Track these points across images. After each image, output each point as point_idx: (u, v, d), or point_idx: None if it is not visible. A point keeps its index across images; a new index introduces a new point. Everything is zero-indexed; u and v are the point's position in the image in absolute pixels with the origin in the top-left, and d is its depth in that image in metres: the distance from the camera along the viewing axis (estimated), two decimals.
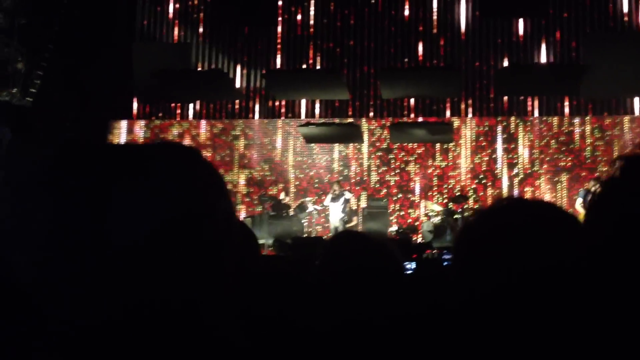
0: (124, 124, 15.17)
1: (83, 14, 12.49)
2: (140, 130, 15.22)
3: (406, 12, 14.13)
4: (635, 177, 0.95)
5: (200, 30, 14.39)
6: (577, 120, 14.25)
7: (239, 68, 14.51)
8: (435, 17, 14.08)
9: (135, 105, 14.61)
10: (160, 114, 14.93)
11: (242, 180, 15.08)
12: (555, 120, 14.33)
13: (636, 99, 13.70)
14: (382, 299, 1.66)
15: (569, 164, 14.25)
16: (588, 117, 14.17)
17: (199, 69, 13.93)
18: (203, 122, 15.20)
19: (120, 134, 15.13)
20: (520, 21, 13.63)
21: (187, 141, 15.19)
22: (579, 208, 11.56)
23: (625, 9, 13.64)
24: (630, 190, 0.93)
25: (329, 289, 1.69)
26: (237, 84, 14.17)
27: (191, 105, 14.67)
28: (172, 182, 0.76)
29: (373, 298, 1.65)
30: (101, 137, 14.52)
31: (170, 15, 14.45)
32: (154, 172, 0.75)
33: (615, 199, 0.96)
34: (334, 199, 12.72)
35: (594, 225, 1.00)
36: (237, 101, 14.54)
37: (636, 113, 13.94)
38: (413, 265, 6.88)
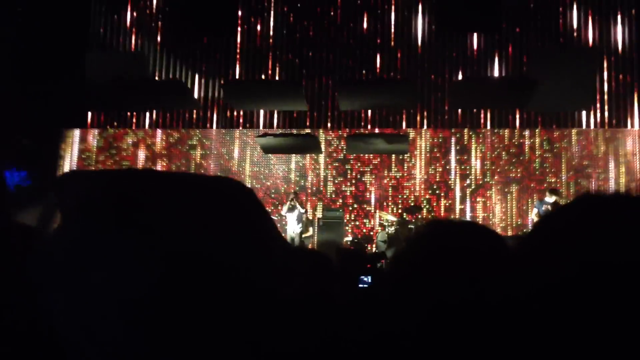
0: (77, 132, 14.87)
1: (37, 22, 12.21)
2: (93, 139, 14.94)
3: (365, 25, 14.30)
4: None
5: (158, 39, 14.23)
6: (527, 133, 14.66)
7: (197, 77, 14.41)
8: (392, 31, 14.29)
9: (89, 113, 14.33)
10: (115, 123, 14.69)
11: None
12: (506, 132, 14.71)
13: (583, 113, 14.17)
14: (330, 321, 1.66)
15: (519, 175, 14.63)
16: (538, 130, 14.59)
17: (157, 78, 13.76)
18: (159, 132, 15.03)
19: (73, 142, 14.83)
20: (475, 36, 13.96)
21: (142, 150, 15.00)
22: (535, 217, 11.88)
23: (575, 24, 14.13)
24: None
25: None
26: (195, 94, 14.06)
27: (147, 114, 14.47)
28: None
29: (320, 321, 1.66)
30: (54, 146, 14.21)
31: (128, 24, 14.24)
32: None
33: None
34: (290, 209, 12.74)
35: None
36: (194, 110, 14.43)
37: (583, 126, 14.43)
38: (369, 279, 6.90)
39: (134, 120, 14.61)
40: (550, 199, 11.64)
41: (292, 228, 12.67)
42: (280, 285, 0.80)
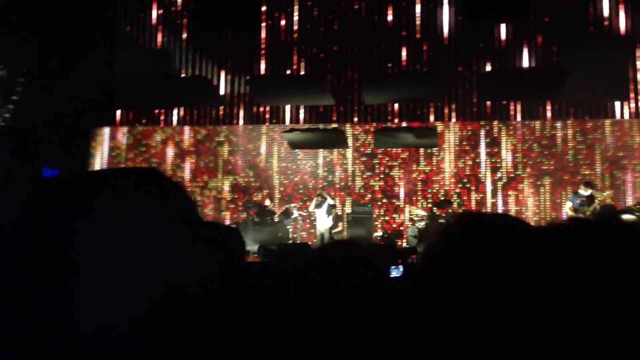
0: (106, 130, 15.06)
1: (65, 21, 12.38)
2: (122, 137, 15.13)
3: (389, 18, 14.17)
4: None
5: (184, 36, 14.32)
6: (559, 124, 14.36)
7: (223, 74, 14.46)
8: (418, 23, 14.14)
9: (118, 111, 14.52)
10: (143, 121, 14.85)
11: (226, 187, 15.02)
12: (537, 124, 14.43)
13: (617, 103, 13.83)
14: (366, 315, 1.64)
15: (552, 167, 14.34)
16: (570, 121, 14.28)
17: (183, 75, 13.86)
18: (186, 128, 15.14)
19: (103, 140, 15.03)
20: (502, 26, 13.73)
21: (170, 147, 15.12)
22: (569, 212, 11.64)
23: (606, 13, 13.79)
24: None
25: (310, 303, 1.67)
26: (221, 90, 14.12)
27: (175, 112, 14.60)
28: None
29: (355, 314, 1.63)
30: (84, 144, 14.42)
31: (153, 21, 14.37)
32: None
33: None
34: (317, 205, 12.70)
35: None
36: (221, 107, 14.49)
37: (617, 116, 14.08)
38: (400, 269, 6.86)
39: (162, 117, 14.76)
40: (585, 191, 11.39)
41: (321, 223, 12.63)
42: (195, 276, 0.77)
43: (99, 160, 14.96)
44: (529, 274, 1.00)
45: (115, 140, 15.12)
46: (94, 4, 13.08)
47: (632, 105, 13.85)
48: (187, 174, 15.07)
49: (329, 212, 12.63)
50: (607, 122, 14.18)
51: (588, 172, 14.08)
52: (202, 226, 0.81)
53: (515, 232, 1.15)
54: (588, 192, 11.37)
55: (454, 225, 1.21)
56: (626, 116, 14.04)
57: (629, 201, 13.61)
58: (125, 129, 15.10)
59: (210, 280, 0.84)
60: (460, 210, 14.09)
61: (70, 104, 12.80)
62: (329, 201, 12.68)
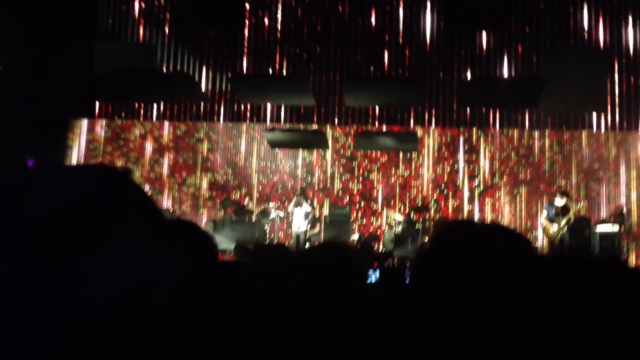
0: (84, 122, 14.91)
1: (45, 10, 12.25)
2: (101, 129, 14.98)
3: (373, 21, 14.22)
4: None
5: (167, 30, 14.23)
6: (536, 134, 14.50)
7: (204, 70, 14.40)
8: (401, 27, 14.19)
9: (97, 104, 14.38)
10: (122, 114, 14.73)
11: (204, 184, 14.95)
12: (515, 133, 14.56)
13: (594, 115, 13.99)
14: (346, 318, 1.63)
15: (528, 176, 14.48)
16: (547, 131, 14.42)
17: (164, 69, 13.77)
18: (166, 123, 15.03)
19: (81, 132, 14.88)
20: (484, 34, 13.83)
21: (149, 142, 15.01)
22: (544, 221, 11.74)
23: (586, 25, 13.96)
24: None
25: (290, 306, 1.67)
26: (202, 87, 14.06)
27: (155, 106, 14.50)
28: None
29: (336, 318, 1.63)
30: (61, 136, 14.26)
31: (136, 14, 14.26)
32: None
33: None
34: (296, 205, 12.68)
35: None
36: (201, 103, 14.43)
37: (594, 128, 14.25)
38: (377, 274, 6.87)
39: (142, 111, 14.64)
40: (560, 201, 11.50)
41: (297, 224, 12.60)
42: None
43: (76, 153, 14.80)
44: (517, 290, 1.00)
45: (94, 132, 14.98)
46: None
47: (609, 117, 14.01)
48: (165, 170, 14.98)
49: (306, 215, 12.60)
50: (584, 133, 14.35)
51: (564, 183, 14.23)
52: (167, 228, 0.80)
53: (509, 247, 1.15)
54: (563, 201, 11.48)
55: (445, 233, 1.21)
56: (603, 128, 14.20)
57: (603, 213, 13.78)
58: (103, 122, 14.96)
59: (179, 280, 0.83)
60: (436, 217, 14.16)
61: (49, 94, 12.65)
62: (306, 206, 12.64)
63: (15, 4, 11.95)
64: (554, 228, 11.45)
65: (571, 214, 11.54)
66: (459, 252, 1.12)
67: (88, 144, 14.92)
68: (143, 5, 14.24)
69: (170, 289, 0.77)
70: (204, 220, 13.90)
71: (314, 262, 1.80)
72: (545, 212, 11.79)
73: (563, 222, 11.41)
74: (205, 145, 15.08)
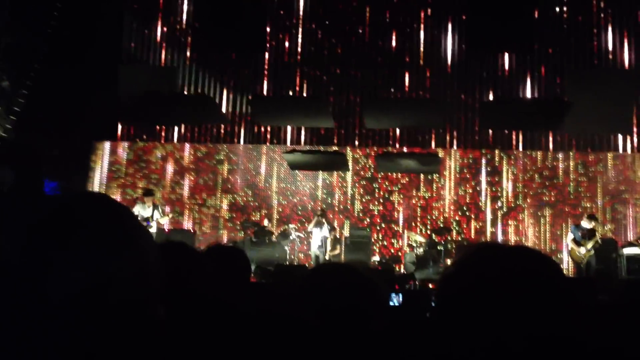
0: (107, 145, 15.06)
1: (70, 34, 12.44)
2: (123, 151, 15.11)
3: (393, 43, 14.22)
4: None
5: (188, 54, 14.37)
6: (560, 156, 14.31)
7: (225, 92, 14.48)
8: (421, 49, 14.18)
9: (119, 126, 14.53)
10: (144, 136, 14.85)
11: (224, 205, 14.97)
12: (539, 154, 14.39)
13: (620, 136, 13.81)
14: (367, 341, 1.58)
15: (552, 199, 14.27)
16: (572, 153, 14.23)
17: (185, 92, 13.89)
18: (187, 145, 15.12)
19: (103, 155, 15.02)
20: (506, 56, 13.75)
21: (170, 164, 15.10)
22: (570, 243, 11.55)
23: (610, 46, 13.82)
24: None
25: (302, 327, 1.60)
26: (223, 109, 14.14)
27: (176, 128, 14.60)
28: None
29: (356, 340, 1.56)
30: (84, 157, 14.42)
31: (158, 38, 14.43)
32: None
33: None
34: (316, 225, 12.61)
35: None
36: (222, 125, 14.50)
37: (620, 150, 14.04)
38: (400, 298, 6.77)
39: (163, 133, 14.76)
40: (588, 224, 11.31)
41: (317, 246, 12.52)
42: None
43: (99, 175, 14.94)
44: (545, 312, 1.00)
45: (116, 154, 15.11)
46: (101, 19, 13.15)
47: (635, 139, 13.81)
48: (185, 191, 15.03)
49: (326, 237, 12.51)
50: (610, 155, 14.14)
51: (589, 205, 14.01)
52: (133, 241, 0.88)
53: (535, 267, 1.12)
54: (591, 224, 11.30)
55: (471, 255, 1.18)
56: (629, 150, 14.01)
57: (630, 235, 13.52)
58: (125, 144, 15.09)
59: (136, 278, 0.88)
60: (458, 239, 14.02)
61: (72, 116, 12.81)
62: (327, 227, 12.56)
63: (41, 26, 12.15)
64: (581, 251, 11.25)
65: (598, 237, 11.34)
66: (485, 274, 1.10)
67: (110, 165, 15.05)
68: (165, 29, 14.41)
69: (127, 287, 0.84)
70: (224, 242, 13.89)
71: (323, 282, 1.76)
72: (571, 235, 11.59)
73: (590, 244, 11.20)
74: (225, 167, 15.10)
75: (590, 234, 11.27)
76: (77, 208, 0.86)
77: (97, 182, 14.84)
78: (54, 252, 0.79)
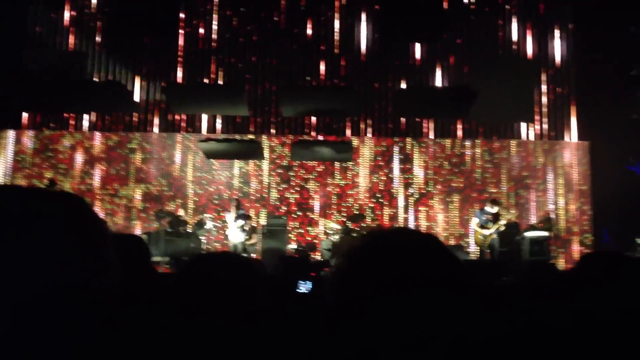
0: (11, 133, 14.37)
1: None
2: (28, 140, 14.47)
3: (309, 32, 14.29)
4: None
5: (97, 39, 13.88)
6: (468, 143, 14.86)
7: (137, 80, 14.11)
8: (337, 38, 14.32)
9: (24, 114, 13.88)
10: (51, 125, 14.25)
11: (138, 195, 14.62)
12: (448, 142, 14.88)
13: (523, 124, 14.48)
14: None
15: (461, 185, 14.79)
16: (479, 140, 14.81)
17: (95, 79, 13.43)
18: (97, 134, 14.64)
19: (7, 144, 14.32)
20: (417, 45, 14.11)
21: (80, 153, 14.59)
22: (475, 227, 12.02)
23: (514, 37, 14.46)
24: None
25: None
26: (136, 97, 13.77)
27: (86, 116, 14.10)
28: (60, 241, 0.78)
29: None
30: None
31: (66, 22, 13.86)
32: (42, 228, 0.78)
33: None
34: (237, 217, 12.54)
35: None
36: (135, 114, 14.12)
37: (522, 137, 14.74)
38: (309, 285, 6.79)
39: (72, 122, 14.22)
40: (492, 209, 11.78)
41: (233, 235, 12.46)
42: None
43: (3, 164, 14.24)
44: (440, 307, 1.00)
45: (21, 144, 14.45)
46: (3, 2, 12.51)
47: (537, 127, 14.53)
48: (96, 181, 14.57)
49: (241, 226, 12.46)
50: (513, 142, 14.80)
51: (494, 190, 14.61)
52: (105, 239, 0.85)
53: (427, 260, 1.09)
54: (495, 209, 11.77)
55: (360, 249, 1.15)
56: (531, 137, 14.72)
57: (532, 219, 14.23)
58: (31, 133, 14.45)
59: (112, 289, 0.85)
60: (373, 226, 14.30)
61: None
62: (242, 216, 12.51)
63: None
64: (484, 233, 11.75)
65: (502, 221, 11.83)
66: (373, 273, 1.07)
67: (15, 155, 14.38)
68: (73, 13, 13.86)
69: (108, 289, 0.82)
70: (137, 233, 13.57)
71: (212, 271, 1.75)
72: (476, 219, 12.05)
73: (493, 228, 11.71)
74: (138, 156, 14.73)
75: (495, 218, 11.78)
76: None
77: (1, 172, 14.16)
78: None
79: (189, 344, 1.56)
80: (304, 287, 6.71)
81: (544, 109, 14.49)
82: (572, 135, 14.57)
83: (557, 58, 14.56)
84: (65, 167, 14.46)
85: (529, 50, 14.42)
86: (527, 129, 14.63)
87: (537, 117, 14.07)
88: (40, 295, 0.74)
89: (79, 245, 0.80)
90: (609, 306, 1.27)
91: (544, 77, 14.43)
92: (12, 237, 0.75)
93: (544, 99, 14.46)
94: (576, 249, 14.22)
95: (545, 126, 14.57)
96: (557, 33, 14.54)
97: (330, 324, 1.10)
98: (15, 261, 0.74)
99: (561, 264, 13.57)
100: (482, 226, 11.78)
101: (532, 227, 13.07)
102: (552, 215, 13.97)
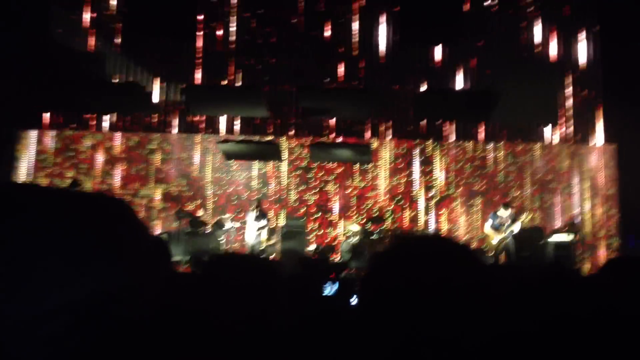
0: (33, 134, 14.55)
1: None
2: (50, 140, 14.63)
3: (327, 33, 14.22)
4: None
5: (117, 41, 13.97)
6: (491, 146, 14.66)
7: (157, 82, 14.18)
8: (355, 40, 14.22)
9: (46, 114, 14.03)
10: (73, 125, 14.39)
11: (158, 195, 14.70)
12: (470, 145, 14.70)
13: (547, 128, 14.24)
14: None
15: (483, 188, 14.61)
16: (501, 143, 14.60)
17: (115, 80, 13.51)
18: (118, 135, 14.76)
19: (29, 144, 14.50)
20: (438, 47, 13.95)
21: (100, 153, 14.71)
22: (489, 230, 11.84)
23: (538, 40, 14.20)
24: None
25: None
26: (155, 98, 13.84)
27: (106, 117, 14.21)
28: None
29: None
30: (8, 148, 13.90)
31: (85, 24, 13.97)
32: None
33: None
34: (252, 217, 12.56)
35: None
36: (154, 115, 14.20)
37: (547, 141, 14.49)
38: (335, 287, 6.74)
39: (93, 122, 14.35)
40: (504, 212, 11.60)
41: (252, 236, 12.48)
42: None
43: (25, 165, 14.42)
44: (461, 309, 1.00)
45: (43, 144, 14.61)
46: (25, 5, 12.63)
47: (562, 130, 14.27)
48: (117, 181, 14.69)
49: (261, 227, 12.49)
50: (537, 145, 14.56)
51: (518, 194, 14.40)
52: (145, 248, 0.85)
53: (451, 265, 1.10)
54: (507, 212, 11.59)
55: (385, 255, 1.16)
56: (556, 140, 14.46)
57: (558, 223, 14.00)
58: (53, 133, 14.61)
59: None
60: (393, 228, 14.19)
61: None
62: (262, 217, 12.53)
63: None
64: (497, 237, 11.57)
65: (515, 225, 11.59)
66: (399, 274, 1.09)
67: (37, 155, 14.56)
68: (93, 15, 13.96)
69: (139, 301, 0.81)
70: (157, 232, 13.66)
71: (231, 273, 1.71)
72: (490, 221, 11.87)
73: (507, 232, 11.52)
74: (158, 157, 14.81)
75: (511, 221, 11.57)
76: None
77: (24, 171, 14.34)
78: None
79: (209, 346, 1.54)
80: (330, 289, 6.67)
81: (569, 112, 14.22)
82: (599, 138, 14.28)
83: (582, 60, 14.27)
84: (87, 167, 14.60)
85: (553, 52, 14.16)
86: (552, 132, 14.38)
87: (562, 120, 13.82)
88: (89, 299, 0.74)
89: (127, 251, 0.80)
90: (633, 311, 1.28)
91: (569, 80, 14.16)
92: (61, 242, 0.74)
93: (569, 102, 14.19)
94: (602, 254, 13.97)
95: (570, 129, 14.30)
96: (582, 35, 14.25)
97: (357, 326, 1.12)
98: (68, 264, 0.74)
99: (587, 268, 13.34)
100: (496, 229, 11.62)
101: (557, 231, 12.83)
102: (577, 220, 13.72)
